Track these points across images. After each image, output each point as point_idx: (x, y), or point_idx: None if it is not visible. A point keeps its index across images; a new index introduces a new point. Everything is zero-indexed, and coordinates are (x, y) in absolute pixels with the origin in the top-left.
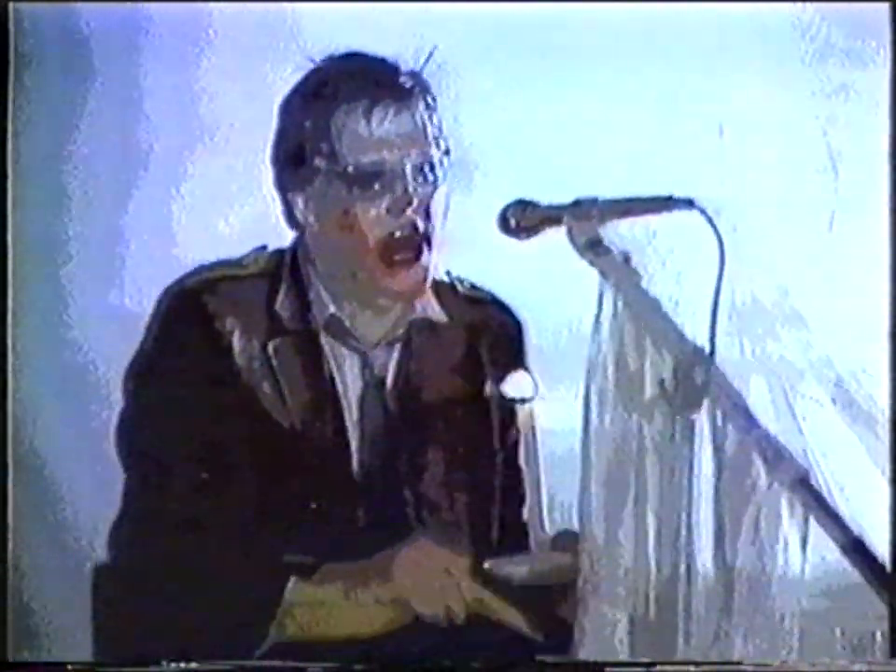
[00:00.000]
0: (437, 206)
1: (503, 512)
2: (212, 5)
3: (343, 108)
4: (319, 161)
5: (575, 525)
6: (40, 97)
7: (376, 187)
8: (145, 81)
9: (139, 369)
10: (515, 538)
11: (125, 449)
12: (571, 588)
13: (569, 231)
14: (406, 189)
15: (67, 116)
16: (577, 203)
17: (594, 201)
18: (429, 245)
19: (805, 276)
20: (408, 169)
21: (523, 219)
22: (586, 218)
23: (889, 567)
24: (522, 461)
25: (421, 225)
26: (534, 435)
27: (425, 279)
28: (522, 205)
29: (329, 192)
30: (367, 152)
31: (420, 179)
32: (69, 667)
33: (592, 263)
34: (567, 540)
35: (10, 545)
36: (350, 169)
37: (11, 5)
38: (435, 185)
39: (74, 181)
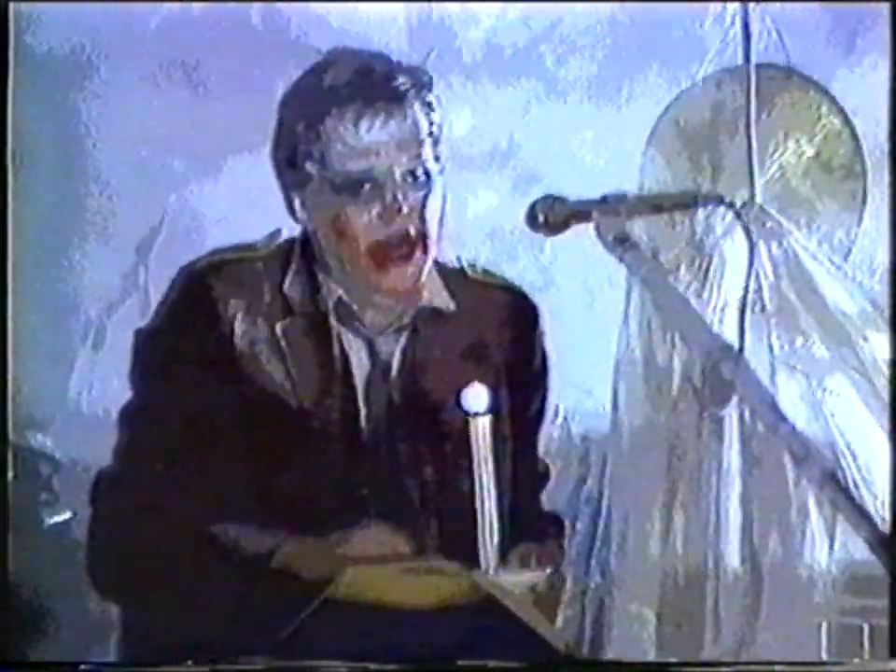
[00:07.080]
0: (433, 208)
1: (514, 500)
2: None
3: (333, 114)
4: (311, 167)
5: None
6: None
7: (365, 194)
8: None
9: (145, 346)
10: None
11: (125, 425)
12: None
13: (597, 227)
14: (395, 197)
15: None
16: (605, 199)
17: (622, 197)
18: (424, 247)
19: (832, 273)
20: (397, 176)
21: (551, 215)
22: (614, 214)
23: None
24: (476, 478)
25: (413, 230)
26: (488, 450)
27: (418, 278)
28: (550, 201)
29: (321, 197)
30: (355, 159)
31: (412, 184)
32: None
33: (620, 259)
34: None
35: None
36: (339, 176)
37: (11, 5)
38: (429, 187)
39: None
